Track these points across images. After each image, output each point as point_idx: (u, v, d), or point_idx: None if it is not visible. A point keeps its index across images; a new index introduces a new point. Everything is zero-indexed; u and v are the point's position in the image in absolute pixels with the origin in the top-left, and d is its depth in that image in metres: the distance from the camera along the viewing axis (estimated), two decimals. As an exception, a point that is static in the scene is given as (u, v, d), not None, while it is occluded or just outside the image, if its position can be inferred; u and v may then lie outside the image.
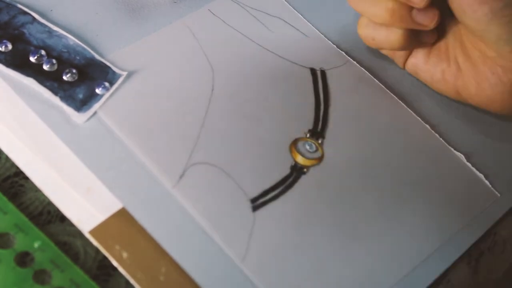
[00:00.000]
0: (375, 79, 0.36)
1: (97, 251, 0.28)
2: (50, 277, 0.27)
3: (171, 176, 0.29)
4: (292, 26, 0.37)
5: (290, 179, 0.31)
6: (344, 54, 0.37)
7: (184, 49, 0.34)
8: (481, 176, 0.34)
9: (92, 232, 0.27)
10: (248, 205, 0.29)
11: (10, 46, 0.31)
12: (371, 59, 0.37)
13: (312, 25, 0.38)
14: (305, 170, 0.31)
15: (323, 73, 0.35)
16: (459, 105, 0.36)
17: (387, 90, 0.36)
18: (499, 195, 0.33)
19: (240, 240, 0.28)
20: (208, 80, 0.33)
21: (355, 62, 0.37)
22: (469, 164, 0.34)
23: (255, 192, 0.30)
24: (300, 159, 0.32)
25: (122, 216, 0.28)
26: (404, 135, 0.34)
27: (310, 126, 0.33)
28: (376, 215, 0.31)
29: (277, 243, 0.29)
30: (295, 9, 0.38)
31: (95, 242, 0.27)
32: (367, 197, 0.31)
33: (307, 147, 0.32)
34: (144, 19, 0.35)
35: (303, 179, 0.31)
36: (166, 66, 0.33)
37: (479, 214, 0.33)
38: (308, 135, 0.33)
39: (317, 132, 0.33)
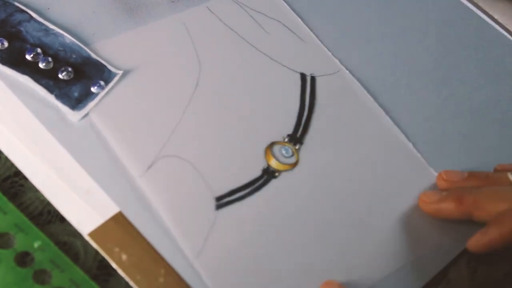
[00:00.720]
0: (364, 90, 0.35)
1: (97, 251, 0.28)
2: (50, 277, 0.27)
3: (138, 166, 0.29)
4: (290, 29, 0.37)
5: (260, 182, 0.31)
6: (338, 62, 0.36)
7: (176, 44, 0.34)
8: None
9: (91, 234, 0.27)
10: (212, 203, 0.29)
11: (6, 44, 0.31)
12: (364, 70, 0.36)
13: (311, 30, 0.37)
14: (276, 174, 0.31)
15: (313, 79, 0.35)
16: (444, 128, 0.36)
17: (375, 103, 0.35)
18: None
19: (197, 236, 0.28)
20: (194, 76, 0.33)
21: (347, 71, 0.36)
22: None
23: (221, 191, 0.30)
24: (273, 163, 0.31)
25: (122, 218, 0.28)
26: (385, 151, 0.34)
27: (290, 131, 0.33)
28: (344, 229, 0.30)
29: (235, 244, 0.28)
30: (295, 13, 0.38)
31: (94, 245, 0.27)
32: (337, 209, 0.31)
33: (283, 151, 0.32)
34: (142, 18, 0.35)
35: (273, 183, 0.31)
36: (156, 61, 0.33)
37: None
38: (286, 140, 0.32)
39: (296, 137, 0.33)
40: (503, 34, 0.42)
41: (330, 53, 0.37)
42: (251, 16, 0.37)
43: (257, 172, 0.31)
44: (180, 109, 0.32)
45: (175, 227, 0.28)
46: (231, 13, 0.37)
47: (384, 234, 0.30)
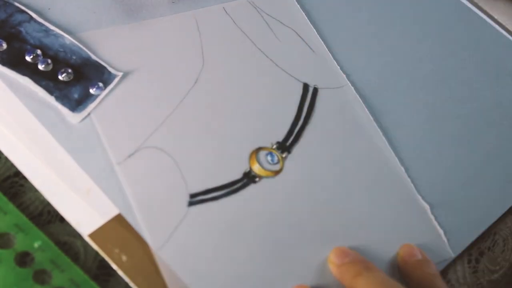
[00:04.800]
0: (366, 109, 0.35)
1: (97, 251, 0.28)
2: (50, 277, 0.27)
3: (119, 153, 0.29)
4: (302, 39, 0.37)
5: (238, 185, 0.30)
6: (345, 77, 0.36)
7: (183, 39, 0.34)
8: (441, 231, 0.32)
9: (91, 235, 0.27)
10: (185, 199, 0.29)
11: (4, 45, 0.31)
12: (370, 88, 0.36)
13: (325, 41, 0.37)
14: (257, 179, 0.31)
15: (315, 90, 0.35)
16: (434, 155, 0.35)
17: (374, 122, 0.35)
18: (453, 255, 0.32)
19: (164, 229, 0.28)
20: (195, 72, 0.33)
21: (352, 87, 0.36)
22: (432, 217, 0.33)
23: (197, 188, 0.29)
24: (256, 168, 0.31)
25: (122, 219, 0.28)
26: (373, 173, 0.33)
27: (281, 139, 0.32)
28: (309, 243, 0.30)
29: (200, 243, 0.28)
30: (312, 22, 0.37)
31: (94, 246, 0.27)
32: (308, 223, 0.30)
33: (269, 158, 0.31)
34: (142, 19, 0.35)
35: (252, 188, 0.30)
36: (160, 56, 0.33)
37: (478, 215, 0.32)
38: (274, 146, 0.32)
39: (285, 146, 0.32)
40: (503, 34, 0.42)
41: (338, 67, 0.36)
42: (265, 21, 0.37)
43: (237, 175, 0.30)
44: (174, 103, 0.32)
45: (142, 218, 0.28)
46: (246, 17, 0.37)
47: None
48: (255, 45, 0.36)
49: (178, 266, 0.27)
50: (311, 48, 0.37)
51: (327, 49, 0.37)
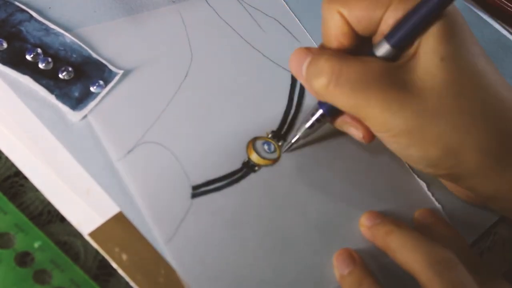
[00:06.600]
0: None
1: (97, 251, 0.28)
2: (50, 277, 0.27)
3: (118, 149, 0.29)
4: (286, 28, 0.37)
5: (239, 174, 0.31)
6: None
7: (170, 33, 0.35)
8: (439, 207, 0.33)
9: (91, 234, 0.27)
10: (188, 191, 0.29)
11: (5, 45, 0.31)
12: None
13: (307, 30, 0.37)
14: (256, 168, 0.31)
15: None
16: None
17: None
18: None
19: (170, 222, 0.28)
20: (185, 66, 0.34)
21: None
22: (429, 193, 0.33)
23: (199, 180, 0.30)
24: (254, 157, 0.31)
25: (122, 218, 0.28)
26: (369, 152, 0.33)
27: (275, 128, 0.33)
28: (314, 228, 0.30)
29: (206, 234, 0.28)
30: (293, 13, 0.38)
31: (94, 244, 0.27)
32: (311, 208, 0.31)
33: (265, 146, 0.32)
34: (143, 18, 0.35)
35: (252, 177, 0.31)
36: (153, 53, 0.33)
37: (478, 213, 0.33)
38: (269, 135, 0.32)
39: (280, 134, 0.33)
40: (503, 34, 0.42)
41: None
42: (248, 12, 0.37)
43: (237, 165, 0.31)
44: (168, 97, 0.32)
45: (148, 212, 0.28)
46: (228, 8, 0.37)
47: (357, 244, 0.30)
48: (240, 36, 0.36)
49: (188, 257, 0.27)
50: (295, 38, 0.37)
51: (311, 38, 0.37)
